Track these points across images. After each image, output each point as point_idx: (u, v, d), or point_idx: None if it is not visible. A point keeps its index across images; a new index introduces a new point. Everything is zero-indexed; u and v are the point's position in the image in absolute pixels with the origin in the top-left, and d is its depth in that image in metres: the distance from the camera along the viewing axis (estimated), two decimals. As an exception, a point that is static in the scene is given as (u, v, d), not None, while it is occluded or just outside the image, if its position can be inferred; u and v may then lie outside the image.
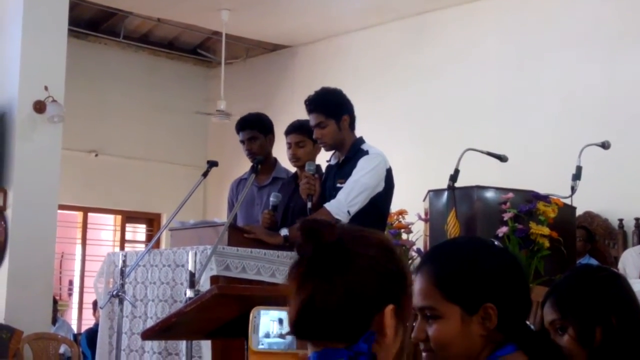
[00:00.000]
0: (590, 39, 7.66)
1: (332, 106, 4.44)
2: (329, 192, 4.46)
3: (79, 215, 10.32)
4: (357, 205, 4.28)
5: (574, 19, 7.80)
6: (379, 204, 4.35)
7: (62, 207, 7.39)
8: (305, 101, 4.49)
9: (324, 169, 4.71)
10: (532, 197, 5.01)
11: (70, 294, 10.51)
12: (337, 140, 4.44)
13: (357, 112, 4.56)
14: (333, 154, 4.65)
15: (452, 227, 4.81)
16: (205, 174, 4.79)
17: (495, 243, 1.93)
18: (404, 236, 6.38)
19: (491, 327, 1.77)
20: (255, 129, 5.04)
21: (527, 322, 1.94)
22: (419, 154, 8.56)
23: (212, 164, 4.79)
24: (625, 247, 7.12)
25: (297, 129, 4.77)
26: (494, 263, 1.83)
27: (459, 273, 1.77)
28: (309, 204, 4.38)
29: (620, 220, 7.23)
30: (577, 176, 5.30)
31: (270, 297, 3.34)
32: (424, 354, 1.80)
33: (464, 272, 1.77)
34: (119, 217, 10.65)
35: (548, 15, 8.00)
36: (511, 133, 7.91)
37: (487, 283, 1.78)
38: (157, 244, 6.95)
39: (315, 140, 4.70)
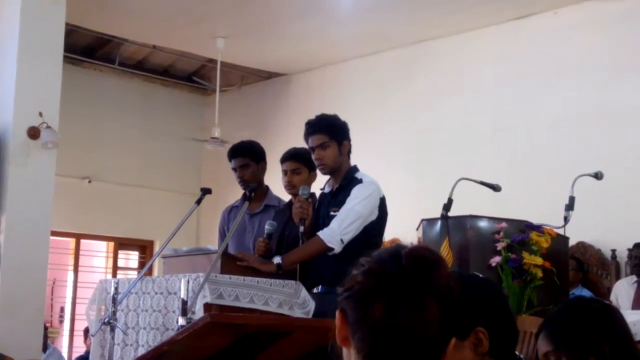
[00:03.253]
0: (583, 70, 7.71)
1: (336, 128, 4.49)
2: (323, 220, 4.47)
3: (71, 241, 10.27)
4: (351, 233, 4.29)
5: (568, 50, 7.85)
6: (372, 232, 4.35)
7: (54, 233, 7.36)
8: (308, 122, 4.51)
9: (317, 196, 4.72)
10: (525, 227, 5.02)
11: (61, 321, 10.44)
12: (337, 164, 4.46)
13: (352, 139, 4.58)
14: (327, 181, 4.66)
15: (445, 257, 4.80)
16: (198, 202, 4.79)
17: (480, 275, 1.99)
18: (397, 265, 6.35)
19: (483, 351, 1.78)
20: (247, 156, 5.06)
21: (517, 353, 1.96)
22: (412, 182, 8.57)
23: (206, 191, 4.80)
24: (618, 277, 7.12)
25: (293, 156, 4.79)
26: (479, 289, 1.88)
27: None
28: (301, 228, 4.38)
29: (613, 251, 7.24)
30: (570, 206, 5.31)
31: (263, 325, 3.33)
32: None
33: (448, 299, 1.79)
34: (111, 244, 10.60)
35: (542, 46, 8.05)
36: (505, 163, 7.93)
37: (475, 307, 1.80)
38: (150, 271, 6.93)
39: (310, 168, 4.72)
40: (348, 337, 1.38)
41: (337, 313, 1.40)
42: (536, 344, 2.18)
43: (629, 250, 7.11)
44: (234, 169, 5.09)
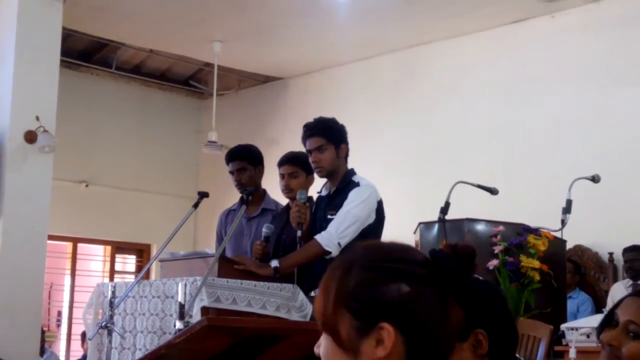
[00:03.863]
0: (580, 73, 7.71)
1: (334, 131, 4.50)
2: (320, 223, 4.47)
3: (68, 245, 10.25)
4: (348, 237, 4.28)
5: (565, 53, 7.85)
6: (369, 235, 4.35)
7: (51, 237, 7.34)
8: (306, 125, 4.52)
9: (314, 200, 4.72)
10: (522, 230, 5.02)
11: (58, 325, 10.43)
12: (334, 167, 4.46)
13: (349, 143, 4.59)
14: (324, 184, 4.66)
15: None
16: (195, 205, 4.79)
17: (480, 277, 1.96)
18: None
19: (482, 353, 1.77)
20: (244, 160, 5.06)
21: (517, 355, 1.94)
22: (410, 186, 8.57)
23: (203, 194, 4.80)
24: (615, 280, 7.13)
25: (290, 160, 4.80)
26: (479, 291, 1.86)
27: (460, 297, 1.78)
28: (299, 232, 4.38)
29: (611, 254, 7.24)
30: (567, 209, 5.33)
31: (261, 328, 3.33)
32: None
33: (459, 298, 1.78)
34: (108, 248, 10.59)
35: (539, 49, 8.06)
36: (502, 166, 7.93)
37: (474, 309, 1.79)
38: (147, 275, 6.92)
39: (308, 172, 4.72)
40: (397, 352, 1.31)
41: (390, 328, 1.30)
42: (620, 305, 2.03)
43: (625, 253, 7.13)
44: (232, 173, 5.09)
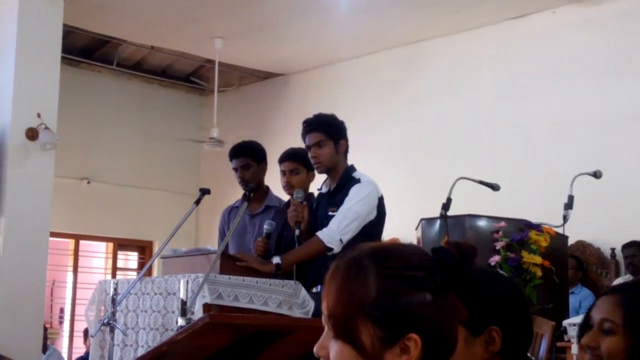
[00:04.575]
0: (581, 68, 7.71)
1: (333, 127, 4.49)
2: (321, 220, 4.47)
3: (70, 242, 10.26)
4: (350, 233, 4.29)
5: (566, 49, 7.85)
6: (371, 232, 4.35)
7: (53, 234, 7.35)
8: (305, 121, 4.52)
9: (314, 197, 4.72)
10: (524, 226, 5.03)
11: (61, 322, 10.44)
12: (333, 162, 4.46)
13: (350, 139, 4.59)
14: (324, 181, 4.66)
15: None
16: (197, 202, 4.79)
17: (503, 273, 1.96)
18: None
19: (494, 350, 1.77)
20: (248, 156, 5.05)
21: (529, 355, 1.94)
22: (411, 182, 8.57)
23: (205, 191, 4.79)
24: (617, 276, 7.13)
25: (291, 156, 4.80)
26: (500, 288, 1.85)
27: (464, 294, 1.78)
28: (297, 232, 4.38)
29: (613, 250, 7.24)
30: (569, 205, 5.33)
31: (262, 325, 3.33)
32: None
33: (469, 294, 1.78)
34: (110, 245, 10.60)
35: (540, 45, 8.05)
36: (503, 162, 7.93)
37: (492, 306, 1.79)
38: (149, 272, 6.93)
39: (309, 168, 4.72)
40: (417, 357, 1.32)
41: (417, 338, 1.31)
42: (595, 304, 2.06)
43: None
44: (235, 169, 5.08)
